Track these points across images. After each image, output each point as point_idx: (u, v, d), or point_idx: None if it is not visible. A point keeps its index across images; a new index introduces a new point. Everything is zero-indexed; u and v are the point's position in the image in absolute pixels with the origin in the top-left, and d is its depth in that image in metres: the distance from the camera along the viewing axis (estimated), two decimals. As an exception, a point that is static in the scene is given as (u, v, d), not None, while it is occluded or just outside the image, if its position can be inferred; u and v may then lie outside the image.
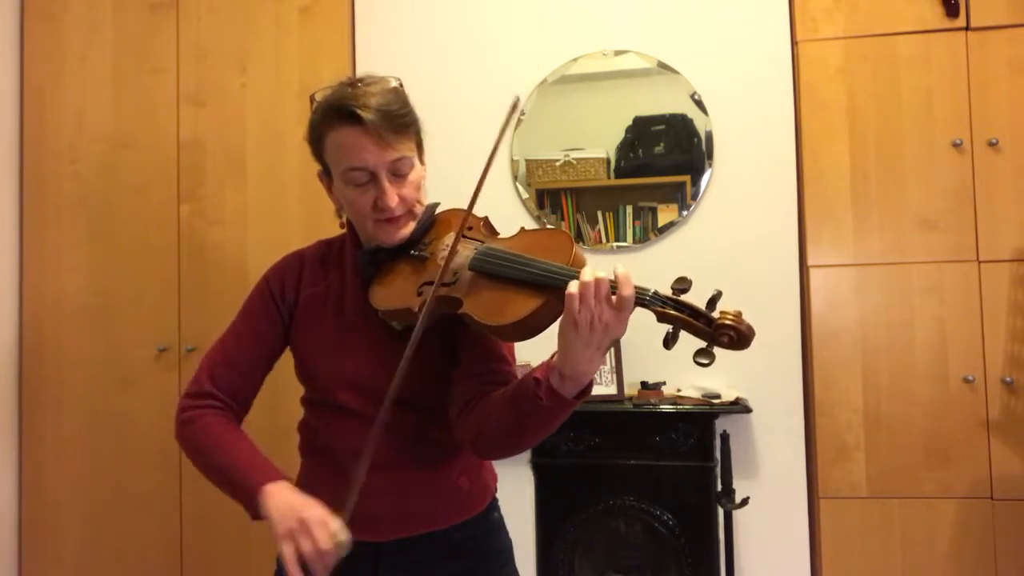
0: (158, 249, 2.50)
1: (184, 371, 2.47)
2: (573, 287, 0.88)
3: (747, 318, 0.88)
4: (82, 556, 2.49)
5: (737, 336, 0.86)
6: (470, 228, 1.15)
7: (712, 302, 0.89)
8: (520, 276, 0.97)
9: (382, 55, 2.55)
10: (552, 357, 0.95)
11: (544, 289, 0.94)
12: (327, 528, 0.95)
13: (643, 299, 0.90)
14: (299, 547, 0.94)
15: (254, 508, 1.05)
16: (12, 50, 2.58)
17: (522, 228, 1.13)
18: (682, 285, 0.90)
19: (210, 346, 1.22)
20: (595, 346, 0.90)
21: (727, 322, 0.87)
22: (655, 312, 0.90)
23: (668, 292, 0.91)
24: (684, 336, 0.90)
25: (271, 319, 1.20)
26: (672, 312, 0.89)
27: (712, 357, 0.88)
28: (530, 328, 0.95)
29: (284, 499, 1.02)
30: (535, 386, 0.94)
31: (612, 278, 0.89)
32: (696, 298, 0.90)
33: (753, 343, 0.88)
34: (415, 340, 0.99)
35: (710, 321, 0.88)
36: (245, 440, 1.14)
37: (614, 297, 0.88)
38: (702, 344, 0.89)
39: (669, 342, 0.90)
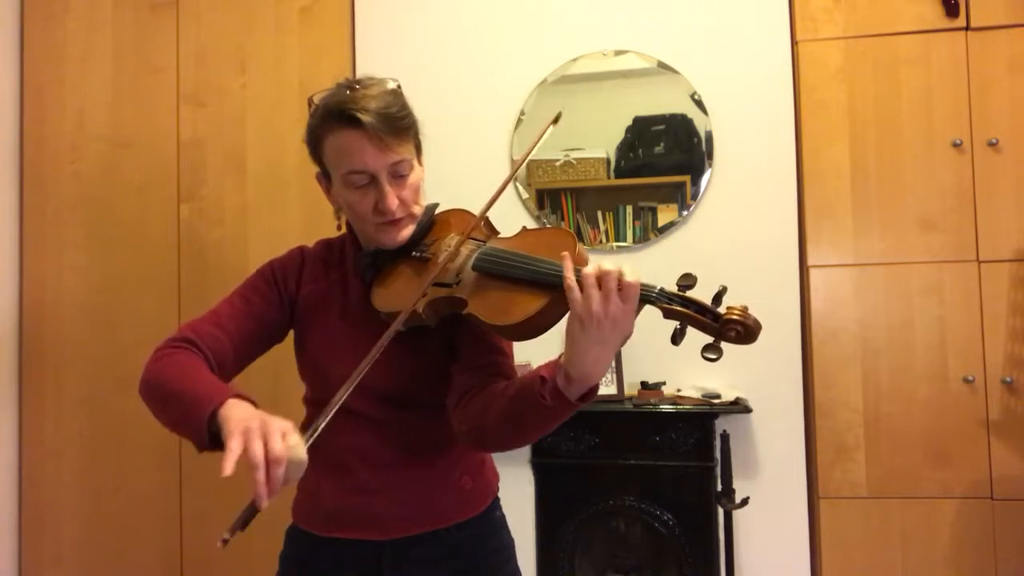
0: (158, 249, 2.50)
1: (184, 371, 2.46)
2: (572, 280, 0.88)
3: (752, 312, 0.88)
4: (82, 556, 2.49)
5: (744, 331, 0.86)
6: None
7: (718, 297, 0.89)
8: (524, 275, 0.97)
9: (382, 55, 2.55)
10: (560, 357, 0.94)
11: (549, 288, 0.94)
12: (287, 438, 0.84)
13: (649, 296, 0.89)
14: (249, 447, 0.82)
15: (204, 425, 0.91)
16: (12, 50, 2.58)
17: (524, 227, 1.12)
18: (687, 281, 0.90)
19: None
20: (603, 343, 0.88)
21: (734, 317, 0.86)
22: (661, 309, 0.90)
23: (674, 289, 0.90)
24: (691, 332, 0.90)
25: (269, 299, 1.20)
26: (679, 308, 0.89)
27: (720, 352, 0.88)
28: (536, 327, 0.95)
29: (248, 409, 0.91)
30: (540, 385, 0.93)
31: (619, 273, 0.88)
32: (701, 294, 0.90)
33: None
34: (390, 332, 0.98)
35: (716, 316, 0.88)
36: (217, 377, 1.04)
37: (619, 289, 0.87)
38: (709, 339, 0.88)
39: (677, 338, 0.90)
